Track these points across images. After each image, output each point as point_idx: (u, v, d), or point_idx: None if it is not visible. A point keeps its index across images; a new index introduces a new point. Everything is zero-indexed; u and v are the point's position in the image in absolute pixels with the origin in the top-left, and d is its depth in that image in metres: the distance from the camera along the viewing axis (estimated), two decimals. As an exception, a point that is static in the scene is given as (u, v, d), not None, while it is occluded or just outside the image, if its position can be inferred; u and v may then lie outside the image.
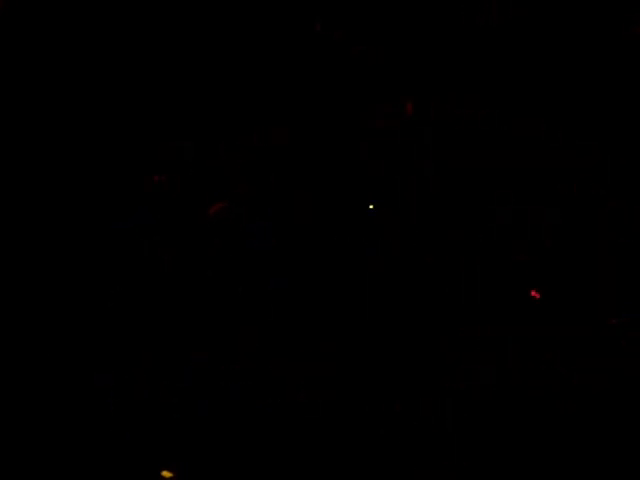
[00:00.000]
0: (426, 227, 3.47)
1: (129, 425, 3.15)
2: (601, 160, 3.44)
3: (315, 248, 3.43)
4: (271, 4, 3.57)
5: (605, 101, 3.46)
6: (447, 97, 3.54)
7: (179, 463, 3.12)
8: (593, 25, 3.47)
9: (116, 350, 3.24)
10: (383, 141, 3.53)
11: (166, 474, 3.06)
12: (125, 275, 3.34)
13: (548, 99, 3.50)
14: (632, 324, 3.26)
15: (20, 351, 3.20)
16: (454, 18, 3.54)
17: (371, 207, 3.21)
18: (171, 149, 3.49)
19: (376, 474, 3.13)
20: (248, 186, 3.50)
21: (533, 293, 3.35)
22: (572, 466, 3.10)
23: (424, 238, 3.45)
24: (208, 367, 3.26)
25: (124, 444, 3.12)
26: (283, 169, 3.53)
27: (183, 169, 3.48)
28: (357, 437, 3.18)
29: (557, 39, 3.49)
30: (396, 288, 3.38)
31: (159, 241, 3.39)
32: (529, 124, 3.51)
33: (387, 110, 3.55)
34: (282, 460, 3.15)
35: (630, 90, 3.46)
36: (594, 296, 3.32)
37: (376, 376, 3.27)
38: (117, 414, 3.16)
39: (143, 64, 3.51)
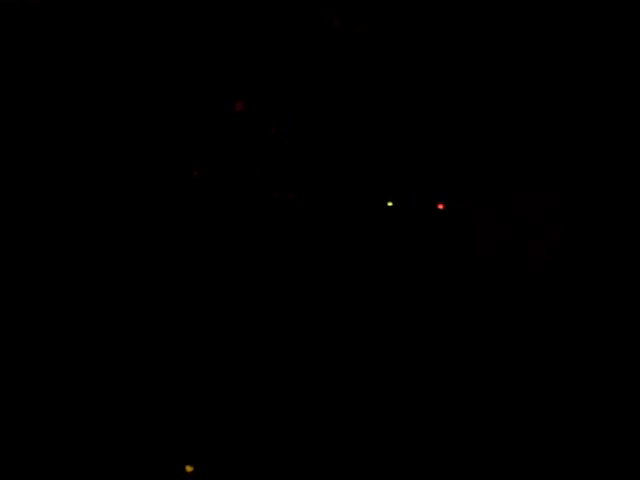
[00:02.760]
0: (426, 227, 3.47)
1: (129, 425, 3.16)
2: (601, 160, 3.44)
3: (314, 247, 3.44)
4: (266, 4, 3.58)
5: (605, 101, 3.47)
6: (445, 98, 3.54)
7: (179, 463, 3.12)
8: (593, 25, 3.48)
9: (116, 350, 3.24)
10: (380, 140, 3.53)
11: (188, 468, 3.08)
12: (125, 274, 3.34)
13: (548, 99, 3.50)
14: (632, 322, 3.27)
15: (20, 351, 3.21)
16: (454, 18, 3.54)
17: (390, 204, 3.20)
18: (171, 149, 3.49)
19: (376, 474, 3.13)
20: (248, 183, 3.51)
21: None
22: (572, 466, 3.11)
23: (424, 238, 3.46)
24: (208, 367, 3.26)
25: (124, 444, 3.13)
26: (284, 166, 3.53)
27: (184, 168, 3.49)
28: (357, 437, 3.18)
29: (557, 39, 3.49)
30: (395, 288, 3.39)
31: (159, 241, 3.40)
32: (529, 124, 3.51)
33: (385, 109, 3.55)
34: (283, 460, 3.15)
35: (630, 90, 3.46)
36: (594, 296, 3.33)
37: (376, 376, 3.28)
38: (117, 414, 3.17)
39: (143, 64, 3.52)
